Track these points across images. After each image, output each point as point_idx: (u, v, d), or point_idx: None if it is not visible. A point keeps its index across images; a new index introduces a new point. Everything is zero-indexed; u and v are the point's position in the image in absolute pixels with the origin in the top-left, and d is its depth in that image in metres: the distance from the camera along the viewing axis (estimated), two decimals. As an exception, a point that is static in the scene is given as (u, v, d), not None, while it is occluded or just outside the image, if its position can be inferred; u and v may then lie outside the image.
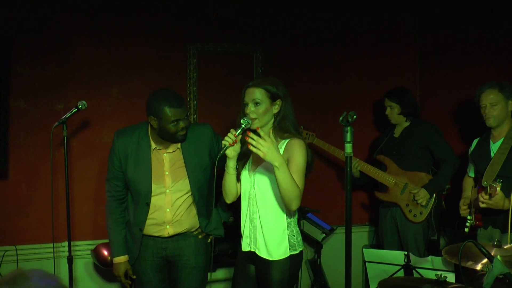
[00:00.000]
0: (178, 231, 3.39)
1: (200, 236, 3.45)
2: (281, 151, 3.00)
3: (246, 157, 3.15)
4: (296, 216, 3.13)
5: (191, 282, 3.42)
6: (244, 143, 3.04)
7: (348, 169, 2.29)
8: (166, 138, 3.27)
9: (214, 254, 3.69)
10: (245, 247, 3.16)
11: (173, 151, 3.35)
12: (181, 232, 3.40)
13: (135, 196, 3.40)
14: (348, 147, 2.29)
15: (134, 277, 3.52)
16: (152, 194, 3.33)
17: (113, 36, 4.64)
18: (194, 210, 3.41)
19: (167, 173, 3.34)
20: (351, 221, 2.31)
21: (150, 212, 3.35)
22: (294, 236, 3.09)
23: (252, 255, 3.13)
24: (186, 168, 3.34)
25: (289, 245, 3.06)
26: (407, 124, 4.61)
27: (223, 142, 2.94)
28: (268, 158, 2.75)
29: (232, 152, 3.01)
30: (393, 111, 4.58)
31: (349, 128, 2.28)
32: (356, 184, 4.85)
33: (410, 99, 4.61)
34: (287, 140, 3.04)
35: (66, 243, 4.12)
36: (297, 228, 3.13)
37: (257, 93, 3.02)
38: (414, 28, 5.54)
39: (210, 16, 4.90)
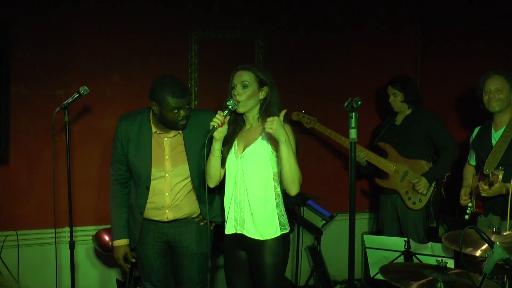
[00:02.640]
0: (178, 216, 3.41)
1: (201, 224, 3.47)
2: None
3: (231, 141, 3.18)
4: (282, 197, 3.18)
5: (193, 269, 3.45)
6: (230, 124, 3.14)
7: (353, 154, 2.30)
8: (166, 125, 3.31)
9: (215, 241, 3.70)
10: (230, 229, 3.16)
11: (173, 136, 3.38)
12: (180, 218, 3.42)
13: (136, 180, 3.44)
14: (353, 133, 2.30)
15: (134, 260, 3.55)
16: (152, 178, 3.37)
17: (115, 22, 4.63)
18: (194, 196, 3.43)
19: (167, 157, 3.36)
20: (354, 207, 2.32)
21: (149, 196, 3.39)
22: (283, 216, 3.13)
23: (239, 237, 3.14)
24: (186, 153, 3.37)
25: (279, 225, 3.09)
26: (408, 111, 4.63)
27: (212, 123, 3.00)
28: (277, 133, 2.86)
29: (219, 134, 3.06)
30: (396, 99, 4.60)
31: (354, 114, 2.29)
32: (361, 172, 4.88)
33: (413, 87, 4.65)
34: None
35: (67, 229, 4.15)
36: (284, 209, 3.17)
37: (245, 76, 3.08)
38: (415, 16, 5.54)
39: (211, 3, 4.90)
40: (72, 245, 4.00)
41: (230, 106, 3.03)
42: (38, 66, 4.45)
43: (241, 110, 3.08)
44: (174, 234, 3.44)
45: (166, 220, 3.41)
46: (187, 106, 3.24)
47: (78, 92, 3.88)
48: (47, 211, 4.35)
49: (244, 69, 3.11)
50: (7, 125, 4.28)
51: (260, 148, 3.06)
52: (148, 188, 3.38)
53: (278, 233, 3.09)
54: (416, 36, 5.55)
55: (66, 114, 3.86)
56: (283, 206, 3.16)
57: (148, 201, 3.40)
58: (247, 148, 3.10)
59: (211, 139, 3.09)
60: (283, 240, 3.11)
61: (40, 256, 4.53)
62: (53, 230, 4.24)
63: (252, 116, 3.14)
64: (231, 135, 3.16)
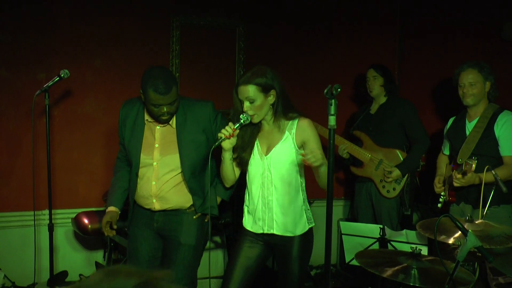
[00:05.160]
0: (165, 207, 3.27)
1: (194, 217, 3.32)
2: (293, 131, 3.02)
3: (251, 144, 3.11)
4: None
5: (179, 260, 3.27)
6: (247, 128, 3.06)
7: (331, 141, 2.24)
8: (150, 115, 3.21)
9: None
10: (258, 229, 3.10)
11: (165, 125, 3.25)
12: (168, 209, 3.29)
13: (130, 165, 3.36)
14: (332, 120, 2.24)
15: (115, 227, 3.35)
16: (141, 165, 3.26)
17: (97, 6, 4.52)
18: (184, 189, 3.28)
19: (157, 145, 3.24)
20: (332, 192, 2.27)
21: (138, 182, 3.29)
22: (309, 210, 3.13)
23: (266, 236, 3.10)
24: (178, 144, 3.23)
25: (307, 219, 3.09)
26: (384, 100, 4.58)
27: (219, 134, 2.95)
28: (318, 162, 2.80)
29: (227, 145, 3.01)
30: (375, 82, 4.54)
31: (333, 101, 2.23)
32: (343, 163, 4.84)
33: (392, 76, 4.61)
34: (296, 120, 3.04)
35: (46, 211, 4.04)
36: (308, 202, 3.15)
37: (250, 91, 2.95)
38: (394, 8, 5.52)
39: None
40: (51, 228, 3.91)
41: (242, 120, 2.96)
42: (19, 49, 4.33)
43: (256, 120, 3.02)
44: (164, 222, 3.31)
45: (154, 209, 3.30)
46: (170, 103, 3.08)
47: (59, 75, 3.76)
48: (27, 194, 4.23)
49: (245, 83, 2.96)
50: (-13, 107, 4.17)
51: (286, 148, 3.01)
52: (137, 175, 3.28)
53: (306, 227, 3.09)
54: (394, 28, 5.52)
55: (47, 97, 3.75)
56: (307, 200, 3.14)
57: (137, 187, 3.30)
58: (273, 149, 3.03)
59: (218, 147, 3.01)
60: (310, 233, 3.12)
61: (19, 238, 4.45)
62: (32, 213, 4.12)
63: (269, 117, 3.07)
64: (250, 138, 3.10)
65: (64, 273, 4.53)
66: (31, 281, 4.28)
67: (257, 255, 3.14)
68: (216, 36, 4.88)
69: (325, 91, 2.25)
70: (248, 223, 3.16)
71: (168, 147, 3.24)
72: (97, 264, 4.64)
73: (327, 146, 2.33)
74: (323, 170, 2.88)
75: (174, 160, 3.23)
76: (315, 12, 5.24)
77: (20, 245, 4.43)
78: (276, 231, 3.06)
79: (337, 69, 5.32)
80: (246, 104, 2.97)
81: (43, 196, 4.17)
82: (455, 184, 3.61)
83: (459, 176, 3.55)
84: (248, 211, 3.17)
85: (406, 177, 4.41)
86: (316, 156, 2.78)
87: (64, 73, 3.77)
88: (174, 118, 3.22)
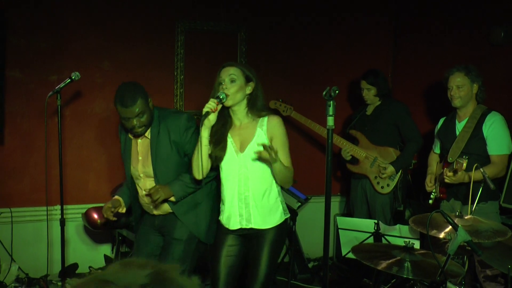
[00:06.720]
0: (160, 213, 3.28)
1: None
2: (264, 127, 2.97)
3: (223, 139, 3.03)
4: None
5: (169, 254, 3.24)
6: (219, 121, 2.99)
7: (330, 141, 2.24)
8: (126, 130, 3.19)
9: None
10: (235, 225, 3.04)
11: (141, 139, 3.23)
12: (164, 214, 3.29)
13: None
14: (330, 120, 2.24)
15: (120, 210, 3.33)
16: (133, 177, 3.29)
17: (105, 10, 4.53)
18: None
19: (140, 158, 3.24)
20: (330, 189, 2.27)
21: (139, 191, 3.30)
22: (283, 201, 3.11)
23: (244, 230, 3.05)
24: (151, 155, 3.19)
25: (283, 210, 3.08)
26: (378, 102, 4.59)
27: (205, 109, 2.84)
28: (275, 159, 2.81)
29: (209, 122, 2.91)
30: (370, 93, 4.54)
31: (331, 102, 2.24)
32: (341, 161, 4.83)
33: (385, 81, 4.60)
34: (266, 118, 3.00)
35: (58, 207, 4.03)
36: (282, 194, 3.14)
37: (233, 70, 2.95)
38: (389, 11, 5.52)
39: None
40: (62, 222, 3.90)
41: (222, 96, 2.88)
42: (32, 52, 4.34)
43: (229, 103, 2.93)
44: (163, 219, 3.30)
45: (152, 213, 3.31)
46: (137, 115, 3.03)
47: (70, 78, 3.76)
48: (40, 190, 4.26)
49: (230, 65, 2.99)
50: (2, 107, 4.18)
51: (261, 143, 2.87)
52: (134, 185, 3.32)
53: (283, 218, 3.07)
54: (389, 30, 5.53)
55: (59, 98, 3.74)
56: (281, 192, 3.12)
57: (138, 196, 3.33)
58: (249, 145, 2.97)
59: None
60: (285, 224, 3.10)
61: (32, 232, 4.45)
62: (45, 208, 4.15)
63: (241, 111, 3.01)
64: (222, 133, 3.02)
65: (75, 266, 4.55)
66: (43, 273, 4.29)
67: (238, 250, 3.08)
68: (219, 40, 4.89)
69: (324, 93, 2.26)
70: (224, 219, 3.10)
71: (148, 159, 3.21)
72: (106, 257, 4.65)
73: (325, 145, 2.34)
74: (278, 169, 2.88)
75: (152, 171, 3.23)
76: (313, 17, 5.24)
77: (34, 239, 4.44)
78: (254, 225, 3.01)
79: (335, 71, 5.32)
80: (227, 83, 2.93)
81: (55, 192, 4.17)
82: (446, 181, 3.62)
83: (450, 174, 3.55)
84: (224, 208, 3.10)
85: (399, 173, 4.42)
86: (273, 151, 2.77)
87: (75, 75, 3.77)
88: (150, 130, 3.18)
